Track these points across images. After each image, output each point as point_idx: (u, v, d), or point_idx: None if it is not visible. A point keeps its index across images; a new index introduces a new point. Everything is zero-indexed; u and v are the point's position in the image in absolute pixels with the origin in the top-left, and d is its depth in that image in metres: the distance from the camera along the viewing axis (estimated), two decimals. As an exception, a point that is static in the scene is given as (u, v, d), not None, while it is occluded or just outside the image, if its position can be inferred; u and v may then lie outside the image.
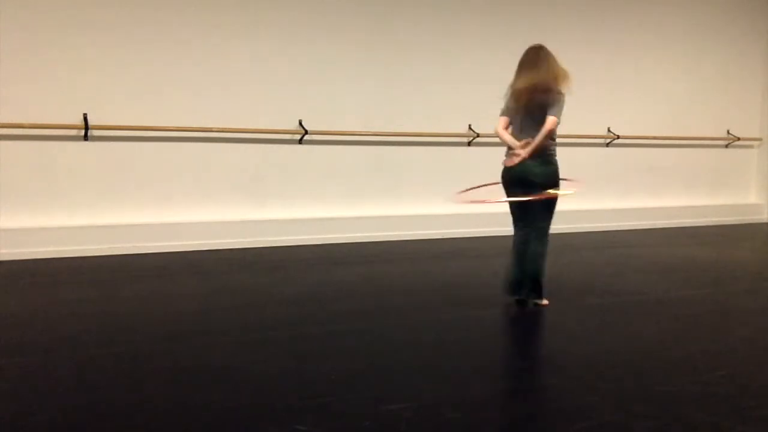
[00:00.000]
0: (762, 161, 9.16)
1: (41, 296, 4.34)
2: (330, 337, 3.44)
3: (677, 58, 8.43)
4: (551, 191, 3.82)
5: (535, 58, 3.86)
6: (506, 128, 3.96)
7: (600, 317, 3.91)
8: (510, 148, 3.92)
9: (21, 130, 5.44)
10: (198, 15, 6.03)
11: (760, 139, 9.08)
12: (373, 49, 6.75)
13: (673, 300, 4.38)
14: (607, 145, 8.05)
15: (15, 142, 5.48)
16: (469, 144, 7.19)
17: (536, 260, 3.92)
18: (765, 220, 9.10)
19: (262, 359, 3.05)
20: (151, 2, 5.86)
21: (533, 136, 3.79)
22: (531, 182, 3.82)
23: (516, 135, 3.91)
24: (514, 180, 3.91)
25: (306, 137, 6.45)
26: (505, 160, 3.97)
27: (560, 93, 3.80)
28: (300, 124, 6.43)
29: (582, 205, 7.47)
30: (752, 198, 9.23)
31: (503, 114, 3.99)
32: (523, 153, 3.80)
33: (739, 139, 8.81)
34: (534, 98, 3.81)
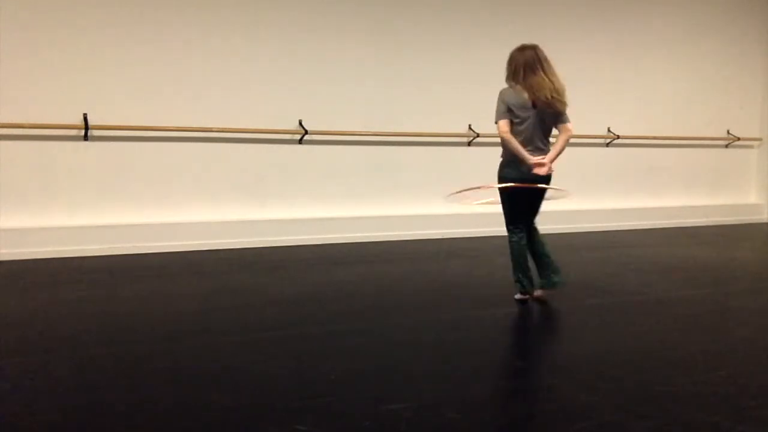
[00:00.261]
0: (762, 161, 9.16)
1: (41, 296, 4.34)
2: (330, 337, 3.44)
3: (677, 58, 8.43)
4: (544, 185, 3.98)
5: (545, 60, 3.84)
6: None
7: (600, 317, 3.91)
8: (515, 154, 3.87)
9: (21, 130, 5.44)
10: (198, 15, 6.04)
11: (760, 139, 9.08)
12: (373, 49, 6.75)
13: (673, 300, 4.38)
14: (607, 145, 8.05)
15: (15, 142, 5.48)
16: (469, 144, 7.19)
17: (545, 241, 4.09)
18: (765, 220, 9.09)
19: (262, 359, 3.05)
20: (151, 2, 5.86)
21: (542, 140, 3.92)
22: (541, 182, 3.92)
23: (523, 139, 3.88)
24: (526, 182, 3.89)
25: (306, 137, 6.45)
26: (524, 166, 3.89)
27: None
28: (300, 124, 6.43)
29: (582, 205, 7.47)
30: (752, 198, 9.23)
31: (505, 117, 3.88)
32: (548, 162, 3.87)
33: (739, 139, 8.81)
34: (552, 104, 3.84)
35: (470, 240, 6.82)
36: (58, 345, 3.24)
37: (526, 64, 3.83)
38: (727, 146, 8.90)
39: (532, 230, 4.13)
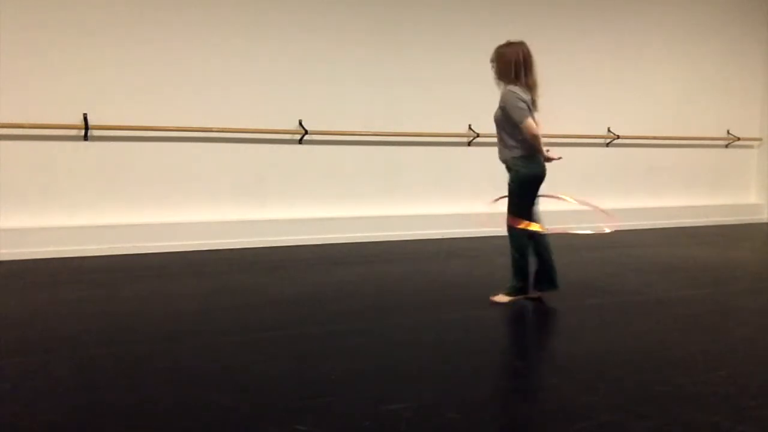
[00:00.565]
0: (762, 161, 9.16)
1: (41, 296, 4.34)
2: (330, 337, 3.44)
3: (677, 58, 8.43)
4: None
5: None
6: None
7: (600, 317, 3.91)
8: (539, 149, 3.92)
9: (21, 130, 5.45)
10: (198, 15, 6.04)
11: (760, 139, 9.08)
12: (373, 49, 6.75)
13: (673, 300, 4.38)
14: (607, 145, 8.05)
15: (15, 142, 5.48)
16: (469, 144, 7.19)
17: (552, 249, 4.12)
18: (765, 220, 9.09)
19: (262, 359, 3.05)
20: (151, 2, 5.86)
21: None
22: None
23: None
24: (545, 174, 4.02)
25: (306, 137, 6.45)
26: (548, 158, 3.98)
27: None
28: (300, 124, 6.43)
29: (582, 205, 7.46)
30: (752, 198, 9.23)
31: (530, 114, 3.88)
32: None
33: (739, 139, 8.81)
34: (535, 103, 3.98)
35: (470, 240, 6.82)
36: (58, 345, 3.24)
37: (525, 63, 3.89)
38: (727, 146, 8.90)
39: (539, 235, 4.09)
